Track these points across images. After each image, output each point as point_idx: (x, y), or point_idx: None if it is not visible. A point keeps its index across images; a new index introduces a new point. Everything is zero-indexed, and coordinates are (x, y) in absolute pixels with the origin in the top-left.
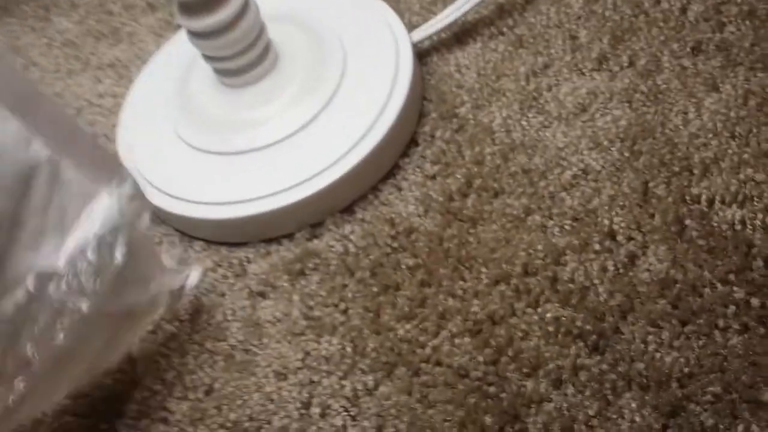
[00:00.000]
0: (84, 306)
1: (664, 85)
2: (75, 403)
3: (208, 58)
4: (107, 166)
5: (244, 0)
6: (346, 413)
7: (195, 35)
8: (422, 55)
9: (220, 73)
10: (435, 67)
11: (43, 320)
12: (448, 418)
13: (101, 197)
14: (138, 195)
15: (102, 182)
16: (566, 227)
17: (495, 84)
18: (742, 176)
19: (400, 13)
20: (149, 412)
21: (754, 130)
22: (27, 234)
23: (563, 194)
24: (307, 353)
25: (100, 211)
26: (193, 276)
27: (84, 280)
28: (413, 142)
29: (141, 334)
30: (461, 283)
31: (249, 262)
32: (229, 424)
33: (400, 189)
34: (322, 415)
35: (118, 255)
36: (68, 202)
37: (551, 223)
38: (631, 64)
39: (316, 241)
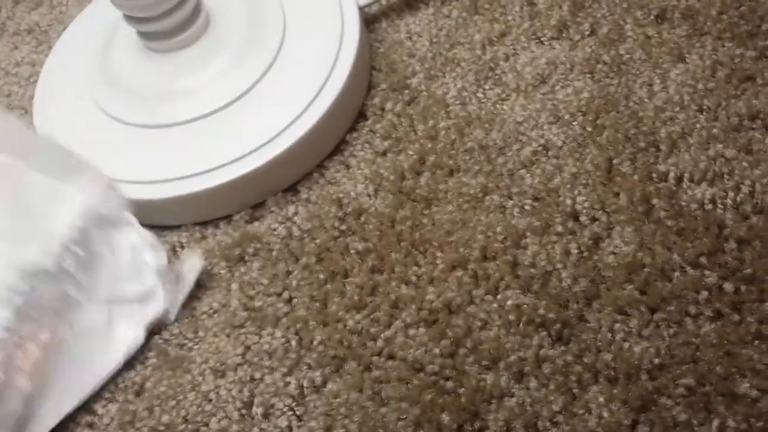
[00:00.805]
0: (81, 298)
1: (628, 55)
2: None
3: (131, 20)
4: (69, 164)
5: None
6: (291, 413)
7: None
8: (370, 21)
9: (145, 36)
10: (384, 34)
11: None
12: (403, 417)
13: (70, 194)
14: (111, 187)
15: (67, 180)
16: (526, 207)
17: (449, 53)
18: (711, 152)
19: None
20: (74, 414)
21: (723, 103)
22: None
23: (523, 172)
24: (248, 347)
25: (74, 206)
26: (192, 265)
27: (75, 274)
28: (362, 115)
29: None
30: (415, 268)
31: (182, 247)
32: (161, 428)
33: (348, 167)
34: (265, 416)
35: (104, 246)
36: (38, 203)
37: (510, 203)
38: (593, 32)
39: (256, 224)
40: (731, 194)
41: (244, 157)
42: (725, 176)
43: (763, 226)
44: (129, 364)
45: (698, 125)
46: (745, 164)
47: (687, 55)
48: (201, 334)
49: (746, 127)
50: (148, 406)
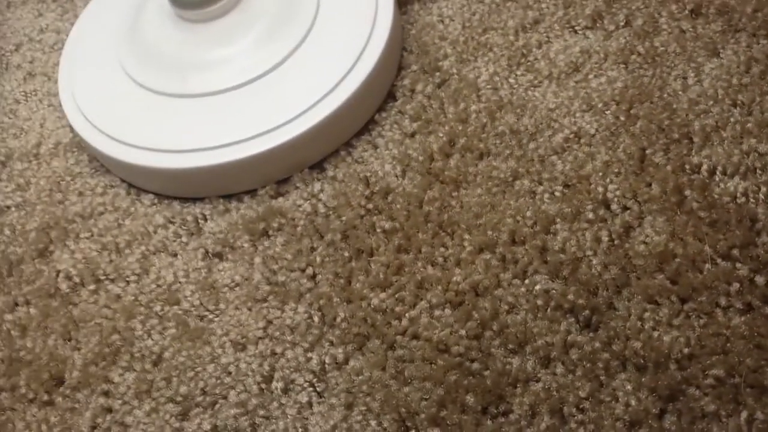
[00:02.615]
0: None
1: (662, 48)
2: (8, 369)
3: None
4: None
5: None
6: (311, 389)
7: None
8: (403, 2)
9: (178, 5)
10: (416, 16)
11: None
12: (426, 397)
13: None
14: None
15: None
16: (557, 193)
17: (481, 37)
18: (744, 146)
19: None
20: (90, 381)
21: (758, 99)
22: None
23: (554, 158)
24: (270, 322)
25: None
26: None
27: None
28: (391, 95)
29: None
30: (442, 250)
31: (205, 219)
32: (179, 398)
33: (375, 146)
34: (285, 391)
35: None
36: None
37: (541, 188)
38: (627, 23)
39: (281, 199)
40: (764, 189)
41: (271, 132)
42: (758, 171)
43: None
44: (147, 333)
45: (732, 119)
46: None
47: (721, 50)
48: (222, 306)
49: None
50: (165, 376)
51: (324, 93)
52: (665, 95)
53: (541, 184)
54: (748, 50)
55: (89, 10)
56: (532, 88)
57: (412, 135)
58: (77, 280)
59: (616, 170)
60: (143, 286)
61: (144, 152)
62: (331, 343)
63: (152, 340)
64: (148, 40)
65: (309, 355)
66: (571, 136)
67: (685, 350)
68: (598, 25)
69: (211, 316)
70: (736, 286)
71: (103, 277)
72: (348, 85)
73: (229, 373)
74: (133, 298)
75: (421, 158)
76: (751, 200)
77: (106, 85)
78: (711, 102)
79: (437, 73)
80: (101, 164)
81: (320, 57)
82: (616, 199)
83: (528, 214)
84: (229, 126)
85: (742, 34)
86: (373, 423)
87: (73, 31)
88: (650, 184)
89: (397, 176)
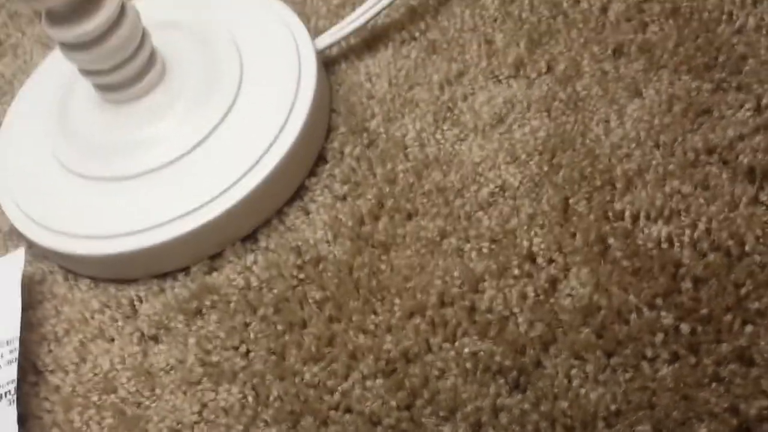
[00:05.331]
0: None
1: (585, 92)
2: None
3: (86, 73)
4: None
5: (119, 4)
6: None
7: (66, 47)
8: (330, 62)
9: (101, 88)
10: (344, 76)
11: None
12: None
13: None
14: None
15: None
16: (484, 250)
17: (407, 94)
18: (667, 189)
19: (306, 17)
20: None
21: (680, 138)
22: None
23: (480, 214)
24: (204, 405)
25: None
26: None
27: None
28: (322, 159)
29: None
30: (373, 317)
31: (140, 301)
32: None
33: (307, 212)
34: None
35: None
36: None
37: (468, 246)
38: (549, 69)
39: (215, 275)
40: (688, 231)
41: (202, 207)
42: (682, 213)
43: (720, 263)
44: (86, 424)
45: (654, 161)
46: (701, 200)
47: (644, 90)
48: (158, 391)
49: (703, 162)
50: None
51: (252, 163)
52: (587, 141)
53: (468, 241)
54: (670, 87)
55: (22, 93)
56: (458, 143)
57: (343, 198)
58: (19, 374)
59: (541, 222)
60: (81, 375)
61: (76, 240)
62: (266, 423)
63: (90, 431)
64: (77, 124)
65: None
66: (496, 189)
67: (612, 407)
68: (520, 73)
69: (147, 403)
70: (661, 336)
71: (43, 369)
72: (276, 152)
73: None
74: (71, 388)
75: (350, 223)
76: (676, 244)
77: (39, 172)
78: (633, 145)
79: (365, 134)
80: (39, 252)
81: (245, 127)
82: (541, 253)
83: (456, 273)
84: (159, 206)
85: (664, 71)
86: None
87: (7, 116)
88: (574, 235)
89: (328, 242)
